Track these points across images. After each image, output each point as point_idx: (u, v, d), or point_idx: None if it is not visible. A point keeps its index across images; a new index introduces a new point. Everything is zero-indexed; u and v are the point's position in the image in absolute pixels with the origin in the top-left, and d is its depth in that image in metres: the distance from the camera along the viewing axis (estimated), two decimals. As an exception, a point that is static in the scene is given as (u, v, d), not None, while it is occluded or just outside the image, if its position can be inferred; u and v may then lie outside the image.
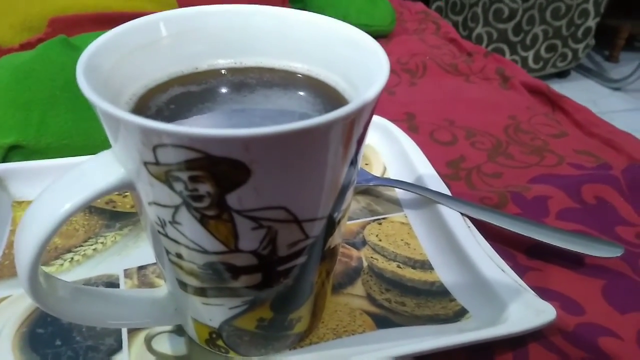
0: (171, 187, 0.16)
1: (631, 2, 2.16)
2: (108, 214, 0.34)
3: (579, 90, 2.15)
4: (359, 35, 0.21)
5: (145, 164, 0.16)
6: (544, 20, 1.95)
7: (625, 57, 2.32)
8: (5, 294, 0.28)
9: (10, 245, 0.31)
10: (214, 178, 0.16)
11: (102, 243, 0.31)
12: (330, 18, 0.22)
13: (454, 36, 0.71)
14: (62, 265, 0.30)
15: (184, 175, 0.16)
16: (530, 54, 2.04)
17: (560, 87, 2.10)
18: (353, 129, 0.17)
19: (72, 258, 0.30)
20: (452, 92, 0.54)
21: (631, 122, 1.91)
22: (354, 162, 0.19)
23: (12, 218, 0.33)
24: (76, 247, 0.31)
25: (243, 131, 0.14)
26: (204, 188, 0.16)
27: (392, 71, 0.58)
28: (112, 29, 0.20)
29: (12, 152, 0.36)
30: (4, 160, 0.36)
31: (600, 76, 2.24)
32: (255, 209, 0.17)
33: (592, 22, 1.98)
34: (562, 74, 2.21)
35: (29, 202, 0.34)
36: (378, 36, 0.68)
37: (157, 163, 0.16)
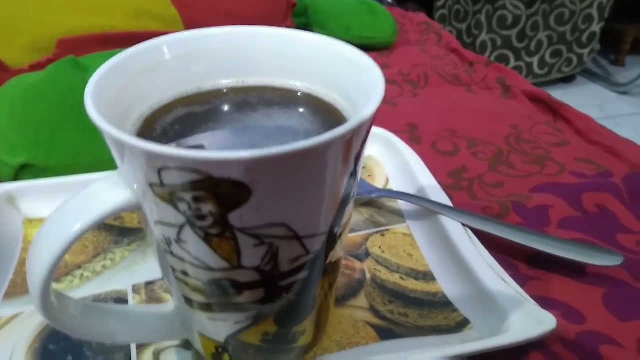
0: (175, 207, 0.17)
1: (636, 6, 2.16)
2: (116, 230, 0.34)
3: (585, 95, 2.14)
4: (355, 54, 0.22)
5: (151, 185, 0.17)
6: (548, 26, 1.95)
7: (631, 61, 2.32)
8: (18, 311, 0.29)
9: (21, 262, 0.32)
10: (217, 198, 0.16)
11: (110, 259, 0.32)
12: (328, 37, 0.23)
13: (456, 46, 0.72)
14: (72, 282, 0.31)
15: (188, 196, 0.16)
16: (535, 60, 2.04)
17: (566, 92, 2.11)
18: (351, 146, 0.18)
19: (82, 274, 0.31)
20: (454, 103, 0.55)
21: (638, 126, 1.91)
22: (352, 177, 0.19)
23: (23, 236, 0.34)
24: (85, 264, 0.32)
25: (243, 153, 0.15)
26: (207, 208, 0.17)
27: (394, 82, 0.59)
28: (118, 55, 0.21)
29: (23, 171, 0.37)
30: (15, 179, 0.37)
31: (606, 80, 2.24)
32: (257, 227, 0.18)
33: (596, 27, 1.98)
34: (567, 79, 2.21)
35: (40, 220, 0.35)
36: (380, 48, 0.69)
37: (161, 184, 0.16)
